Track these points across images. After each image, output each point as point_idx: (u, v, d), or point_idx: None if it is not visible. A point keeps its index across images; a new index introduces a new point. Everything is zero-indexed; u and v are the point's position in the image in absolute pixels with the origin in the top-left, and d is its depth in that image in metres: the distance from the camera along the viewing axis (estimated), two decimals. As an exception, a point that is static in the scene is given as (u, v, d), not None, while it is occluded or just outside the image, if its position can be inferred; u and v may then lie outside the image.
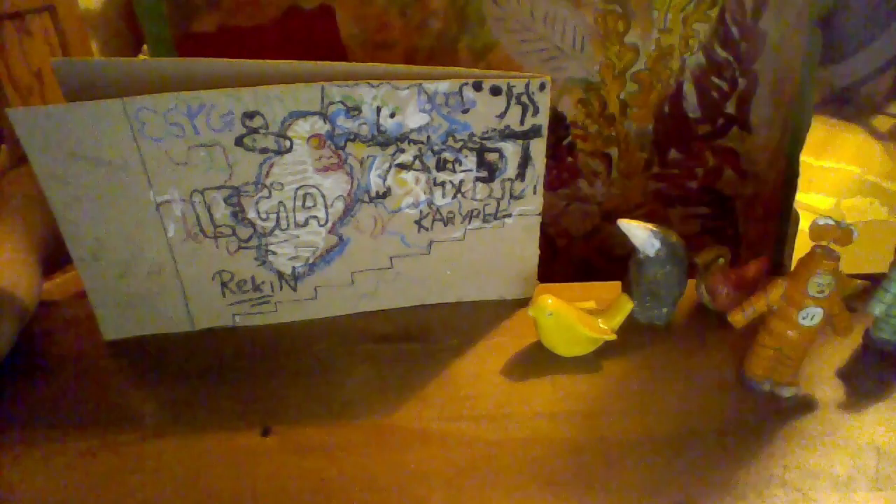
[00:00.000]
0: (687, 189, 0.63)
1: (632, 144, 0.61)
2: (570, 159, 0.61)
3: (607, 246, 0.66)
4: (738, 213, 0.65)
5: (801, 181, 0.66)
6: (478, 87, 0.44)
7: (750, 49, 0.58)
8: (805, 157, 0.81)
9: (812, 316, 0.41)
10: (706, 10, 0.56)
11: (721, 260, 0.49)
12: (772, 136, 0.62)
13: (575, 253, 0.66)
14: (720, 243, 0.66)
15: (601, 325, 0.47)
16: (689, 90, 0.59)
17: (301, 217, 0.47)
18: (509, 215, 0.50)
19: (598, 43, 0.57)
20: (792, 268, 0.71)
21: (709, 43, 0.58)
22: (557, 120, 0.59)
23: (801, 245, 0.74)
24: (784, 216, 0.66)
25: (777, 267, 0.68)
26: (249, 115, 0.43)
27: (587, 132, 0.60)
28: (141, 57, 0.64)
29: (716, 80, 0.59)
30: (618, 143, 0.61)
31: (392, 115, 0.44)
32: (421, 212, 0.48)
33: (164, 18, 0.55)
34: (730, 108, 0.60)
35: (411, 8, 0.55)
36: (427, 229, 0.49)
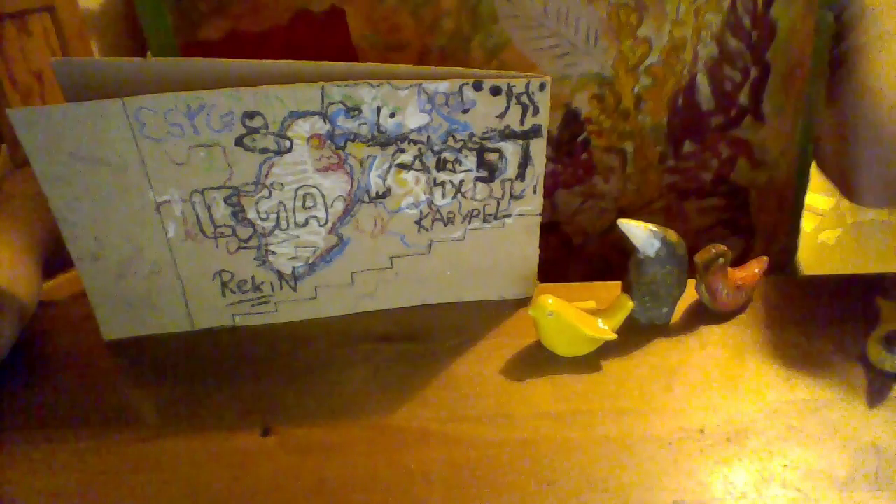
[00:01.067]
0: (701, 181, 0.63)
1: (646, 138, 0.60)
2: (584, 156, 0.60)
3: (623, 243, 0.65)
4: (751, 203, 0.65)
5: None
6: (478, 87, 0.44)
7: (761, 38, 0.58)
8: (805, 158, 0.80)
9: None
10: (718, 0, 0.56)
11: (721, 260, 0.49)
12: (784, 124, 0.61)
13: (591, 250, 0.65)
14: (734, 234, 0.66)
15: (601, 326, 0.47)
16: (702, 81, 0.59)
17: (301, 217, 0.47)
18: (509, 215, 0.50)
19: (611, 37, 0.56)
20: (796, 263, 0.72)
21: (721, 33, 0.57)
22: (572, 116, 0.59)
23: (801, 245, 0.74)
24: (797, 205, 0.66)
25: (790, 254, 0.68)
26: (249, 115, 0.43)
27: (602, 128, 0.60)
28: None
29: (728, 70, 0.59)
30: (633, 137, 0.60)
31: (392, 115, 0.44)
32: (421, 212, 0.48)
33: (168, 28, 0.54)
34: (742, 98, 0.60)
35: (423, 8, 0.54)
36: (427, 229, 0.49)
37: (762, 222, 0.66)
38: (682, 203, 0.64)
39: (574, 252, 0.65)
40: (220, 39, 0.54)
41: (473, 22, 0.55)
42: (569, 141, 0.60)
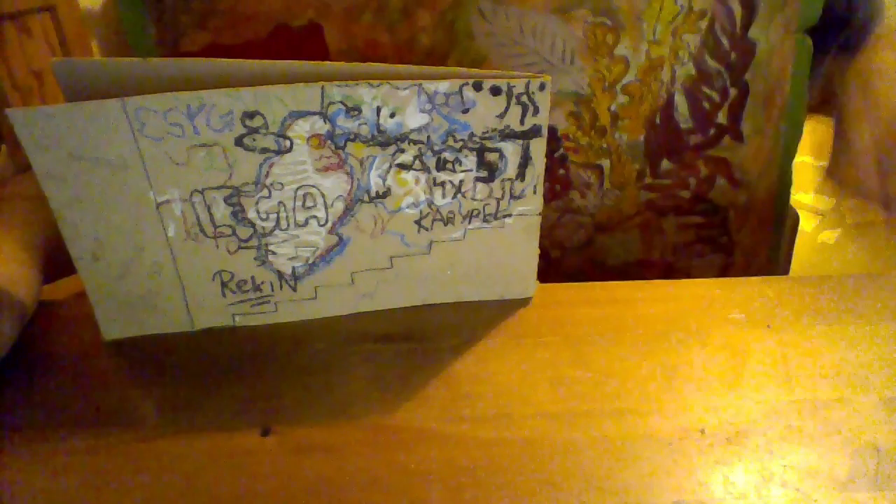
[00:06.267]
0: (679, 199, 0.63)
1: (623, 156, 0.61)
2: (561, 171, 0.61)
3: (601, 257, 0.66)
4: (731, 221, 0.65)
5: (801, 181, 0.66)
6: (478, 87, 0.44)
7: (740, 59, 0.58)
8: (805, 157, 0.81)
9: None
10: (695, 21, 0.56)
11: None
12: (763, 145, 0.62)
13: (569, 264, 0.66)
14: (714, 251, 0.67)
15: None
16: (679, 101, 0.59)
17: (301, 217, 0.47)
18: (509, 215, 0.50)
19: (587, 56, 0.56)
20: (790, 269, 0.72)
21: (699, 54, 0.58)
22: (549, 133, 0.59)
23: (801, 245, 0.74)
24: (777, 224, 0.66)
25: (773, 272, 0.68)
26: (249, 115, 0.43)
27: (578, 144, 0.60)
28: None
29: (706, 90, 0.59)
30: (609, 154, 0.61)
31: (392, 115, 0.44)
32: (421, 212, 0.48)
33: (151, 39, 0.55)
34: (721, 118, 0.60)
35: (399, 25, 0.55)
36: (427, 229, 0.49)
37: (742, 241, 0.66)
38: (661, 220, 0.64)
39: (551, 265, 0.65)
40: (201, 51, 0.55)
41: (450, 39, 0.55)
42: (546, 156, 0.60)
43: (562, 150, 0.60)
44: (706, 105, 0.60)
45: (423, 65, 0.55)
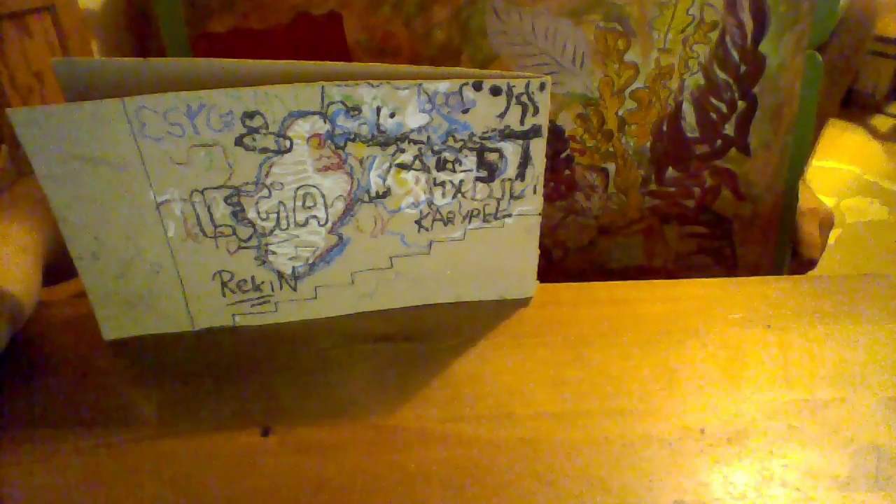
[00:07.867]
0: (684, 207, 0.64)
1: (629, 161, 0.61)
2: (567, 172, 0.61)
3: (603, 260, 0.66)
4: (735, 234, 0.65)
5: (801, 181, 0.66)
6: (478, 87, 0.44)
7: (749, 72, 0.59)
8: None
9: None
10: (706, 32, 0.57)
11: None
12: (770, 159, 0.62)
13: (570, 265, 0.66)
14: (717, 264, 0.67)
15: None
16: (687, 110, 0.60)
17: (301, 217, 0.47)
18: (509, 215, 0.50)
19: (597, 60, 0.57)
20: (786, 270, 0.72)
21: (708, 64, 0.58)
22: (556, 133, 0.60)
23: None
24: (781, 240, 0.66)
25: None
26: (249, 115, 0.43)
27: (585, 146, 0.60)
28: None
29: (714, 101, 0.59)
30: (615, 158, 0.61)
31: (392, 115, 0.44)
32: (421, 212, 0.48)
33: (180, 19, 0.56)
34: (728, 130, 0.61)
35: (415, 19, 0.55)
36: (427, 229, 0.49)
37: (745, 255, 0.66)
38: (664, 227, 0.64)
39: (553, 265, 0.66)
40: (226, 33, 0.56)
41: (463, 35, 0.56)
42: (552, 157, 0.60)
43: (568, 152, 0.60)
44: (713, 116, 0.60)
45: (436, 60, 0.56)
